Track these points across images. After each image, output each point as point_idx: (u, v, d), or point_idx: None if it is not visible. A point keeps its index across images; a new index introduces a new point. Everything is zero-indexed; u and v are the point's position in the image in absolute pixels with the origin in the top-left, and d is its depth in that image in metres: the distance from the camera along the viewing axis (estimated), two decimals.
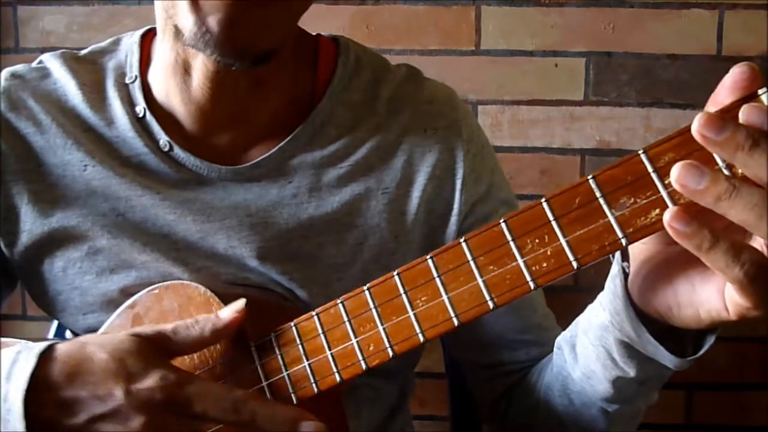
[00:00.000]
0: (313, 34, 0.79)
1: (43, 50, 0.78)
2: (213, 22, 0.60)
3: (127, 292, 0.70)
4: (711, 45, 1.33)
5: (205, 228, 0.71)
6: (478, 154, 0.77)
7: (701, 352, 0.54)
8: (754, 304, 0.43)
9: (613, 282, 0.56)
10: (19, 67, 0.76)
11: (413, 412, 0.93)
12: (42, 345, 0.55)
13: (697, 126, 0.42)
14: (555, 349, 0.71)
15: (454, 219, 0.76)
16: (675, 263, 0.50)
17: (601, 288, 0.59)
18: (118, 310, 0.68)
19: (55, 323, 0.97)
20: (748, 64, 0.43)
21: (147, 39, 0.77)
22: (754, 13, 1.30)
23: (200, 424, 0.54)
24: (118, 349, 0.54)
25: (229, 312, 0.59)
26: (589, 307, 0.62)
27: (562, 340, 0.70)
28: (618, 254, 0.55)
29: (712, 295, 0.47)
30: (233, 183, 0.72)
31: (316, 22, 0.78)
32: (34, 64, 0.77)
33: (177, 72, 0.70)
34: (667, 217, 0.44)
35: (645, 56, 1.34)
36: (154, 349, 0.57)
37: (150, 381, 0.53)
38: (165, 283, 0.67)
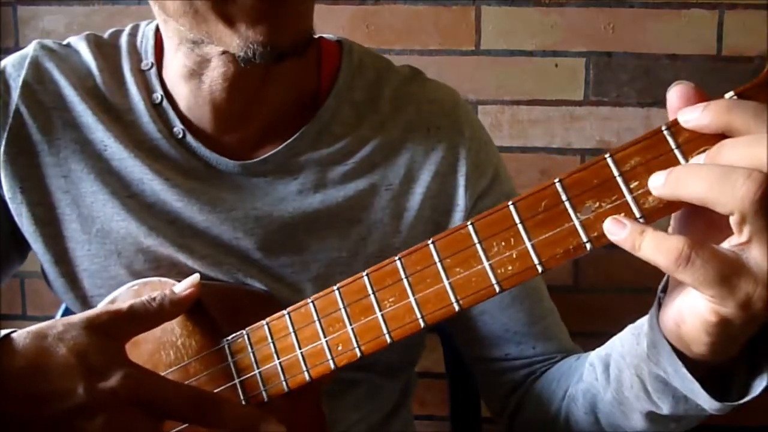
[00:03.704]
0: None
1: None
2: (257, 32, 0.60)
3: (134, 275, 0.71)
4: (711, 45, 1.32)
5: (211, 218, 0.72)
6: (481, 150, 0.78)
7: (746, 399, 0.51)
8: (714, 294, 0.43)
9: (651, 313, 0.54)
10: (48, 41, 0.77)
11: (413, 412, 0.92)
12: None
13: (679, 117, 0.45)
14: (587, 365, 0.69)
15: (459, 215, 0.76)
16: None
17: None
18: (99, 306, 0.68)
19: (61, 310, 0.98)
20: (683, 83, 0.45)
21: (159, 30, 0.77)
22: (754, 13, 1.29)
23: (163, 422, 0.54)
24: (77, 344, 0.54)
25: (185, 285, 0.60)
26: (628, 328, 0.60)
27: (595, 356, 0.67)
28: (661, 285, 0.53)
29: (696, 300, 0.46)
30: (240, 177, 0.73)
31: (316, 22, 0.78)
32: (63, 42, 0.78)
33: (193, 77, 0.70)
34: (605, 225, 0.45)
35: (645, 56, 1.33)
36: (114, 340, 0.56)
37: (113, 379, 0.53)
38: (143, 279, 0.67)
